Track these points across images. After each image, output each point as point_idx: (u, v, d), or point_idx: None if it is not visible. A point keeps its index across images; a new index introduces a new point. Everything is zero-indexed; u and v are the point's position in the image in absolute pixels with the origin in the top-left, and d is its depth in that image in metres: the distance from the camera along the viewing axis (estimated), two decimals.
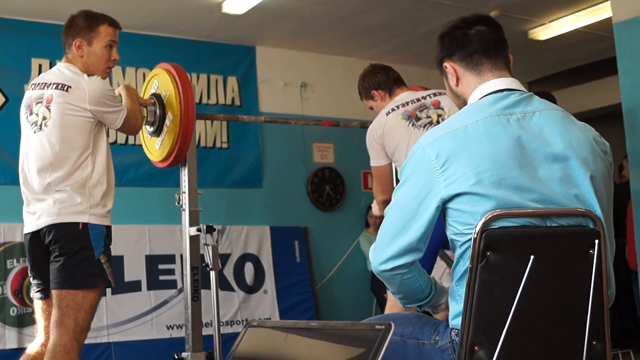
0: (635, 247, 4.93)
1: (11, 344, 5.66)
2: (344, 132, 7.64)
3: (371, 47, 7.98)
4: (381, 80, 4.26)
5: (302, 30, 7.39)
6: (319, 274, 7.53)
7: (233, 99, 7.55)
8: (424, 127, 3.90)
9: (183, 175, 3.76)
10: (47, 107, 3.33)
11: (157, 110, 3.69)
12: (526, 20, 7.29)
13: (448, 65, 2.17)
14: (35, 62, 6.42)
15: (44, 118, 3.33)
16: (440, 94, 4.06)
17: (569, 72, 8.72)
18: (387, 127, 3.96)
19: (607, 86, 7.73)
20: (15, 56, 6.37)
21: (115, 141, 6.69)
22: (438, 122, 3.80)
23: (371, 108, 4.28)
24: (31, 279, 3.45)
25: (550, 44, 7.76)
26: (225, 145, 7.44)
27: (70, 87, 3.31)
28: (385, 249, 2.04)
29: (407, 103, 4.04)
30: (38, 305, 3.45)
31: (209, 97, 7.39)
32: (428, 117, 3.95)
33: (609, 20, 5.31)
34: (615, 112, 5.32)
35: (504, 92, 2.06)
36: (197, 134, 4.06)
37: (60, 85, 3.32)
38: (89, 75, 3.35)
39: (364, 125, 4.94)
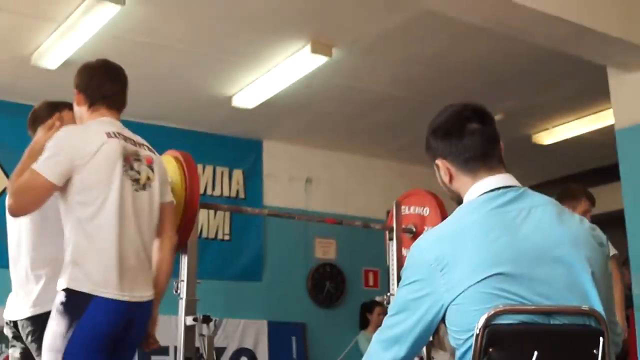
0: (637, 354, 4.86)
1: None
2: (346, 229, 7.62)
3: (376, 146, 8.07)
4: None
5: (309, 126, 7.49)
6: None
7: (237, 191, 7.58)
8: (132, 183, 3.00)
9: (183, 264, 3.73)
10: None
11: None
12: (530, 124, 7.38)
13: (441, 164, 2.15)
14: None
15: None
16: (154, 151, 3.22)
17: (571, 178, 8.76)
18: (103, 147, 2.97)
19: (609, 192, 7.75)
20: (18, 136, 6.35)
21: None
22: (144, 187, 3.04)
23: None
24: None
25: (553, 148, 7.83)
26: (227, 237, 7.41)
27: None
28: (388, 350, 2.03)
29: (127, 138, 3.10)
30: None
31: (213, 189, 7.42)
32: (138, 172, 3.04)
33: (611, 127, 5.37)
34: (617, 218, 5.32)
35: (500, 190, 2.06)
36: (199, 224, 4.06)
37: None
38: None
39: (367, 225, 4.95)
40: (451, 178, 2.15)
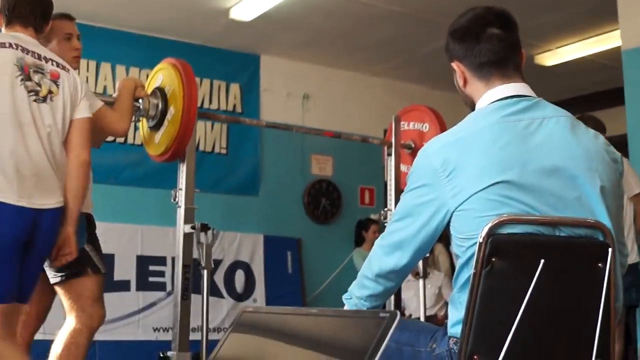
0: None
1: None
2: (343, 146, 7.60)
3: (375, 63, 7.97)
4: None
5: (308, 41, 7.37)
6: (310, 287, 7.47)
7: (235, 105, 7.52)
8: (29, 93, 3.00)
9: (181, 172, 3.70)
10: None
11: (159, 104, 3.64)
12: (533, 45, 7.27)
13: (456, 67, 2.12)
14: None
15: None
16: (65, 68, 3.18)
17: (574, 101, 8.70)
18: None
19: (612, 117, 7.71)
20: None
21: (114, 140, 6.62)
22: (44, 99, 3.02)
23: None
24: None
25: (556, 70, 7.75)
26: (224, 151, 7.39)
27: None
28: (390, 255, 2.02)
29: (29, 51, 3.09)
30: None
31: (210, 102, 7.35)
32: (38, 84, 3.04)
33: (616, 49, 5.29)
34: (620, 143, 5.27)
35: (513, 99, 2.01)
36: (196, 136, 4.02)
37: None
38: None
39: (366, 140, 4.90)
40: (465, 82, 2.11)
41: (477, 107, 2.07)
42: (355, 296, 2.13)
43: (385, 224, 4.12)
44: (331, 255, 7.54)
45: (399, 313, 1.11)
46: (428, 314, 5.64)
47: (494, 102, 2.01)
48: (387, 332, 1.09)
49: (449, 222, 1.94)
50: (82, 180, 3.12)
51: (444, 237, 2.05)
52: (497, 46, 2.05)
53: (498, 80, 2.05)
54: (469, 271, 1.90)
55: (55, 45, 3.43)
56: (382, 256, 2.06)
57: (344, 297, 2.18)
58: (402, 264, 2.03)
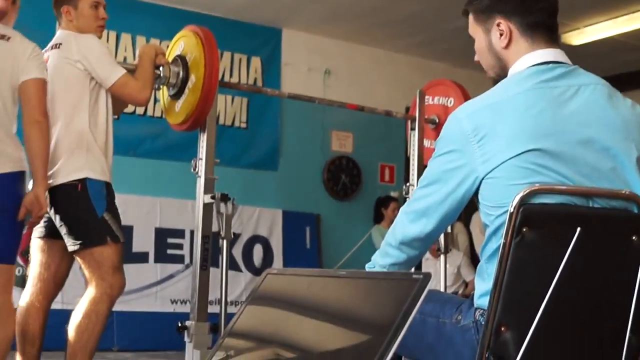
0: None
1: (14, 303, 5.57)
2: (364, 122, 7.54)
3: (398, 39, 7.88)
4: None
5: (331, 16, 7.29)
6: (328, 263, 7.43)
7: (255, 79, 7.47)
8: None
9: (201, 142, 3.66)
10: (45, 68, 3.33)
11: (180, 72, 3.59)
12: (561, 22, 7.09)
13: (504, 24, 2.00)
14: None
15: None
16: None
17: None
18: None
19: (637, 98, 7.59)
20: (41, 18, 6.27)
21: (134, 111, 6.62)
22: None
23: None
24: None
25: (583, 49, 7.60)
26: (243, 125, 7.35)
27: (62, 43, 3.38)
28: (415, 222, 1.96)
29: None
30: (35, 244, 3.48)
31: (231, 76, 7.31)
32: None
33: None
34: None
35: (550, 65, 1.94)
36: (217, 109, 3.98)
37: (54, 45, 3.40)
38: None
39: (389, 114, 4.82)
40: (509, 42, 1.99)
41: (512, 70, 1.99)
42: (379, 264, 2.08)
43: (407, 199, 4.06)
44: (350, 231, 7.48)
45: (431, 274, 1.06)
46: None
47: (531, 66, 1.94)
48: (420, 294, 1.04)
49: (477, 189, 1.87)
50: (37, 140, 3.13)
51: (462, 215, 1.99)
52: (550, 8, 1.99)
53: (543, 43, 1.97)
54: (498, 241, 1.84)
55: (84, 12, 3.45)
56: (406, 223, 2.00)
57: (367, 265, 2.12)
58: (427, 231, 1.97)
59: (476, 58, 2.13)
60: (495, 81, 2.06)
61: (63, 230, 3.32)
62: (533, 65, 1.94)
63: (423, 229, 1.97)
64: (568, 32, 7.32)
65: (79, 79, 3.33)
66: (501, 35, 2.00)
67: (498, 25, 2.00)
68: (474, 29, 2.08)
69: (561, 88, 1.88)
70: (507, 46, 2.00)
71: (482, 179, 1.84)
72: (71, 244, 3.31)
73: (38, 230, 3.45)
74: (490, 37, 2.03)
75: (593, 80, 1.94)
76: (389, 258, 2.05)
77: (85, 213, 3.29)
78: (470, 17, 2.09)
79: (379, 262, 2.07)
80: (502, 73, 2.04)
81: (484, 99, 1.91)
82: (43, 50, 3.40)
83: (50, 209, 3.32)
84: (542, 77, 1.89)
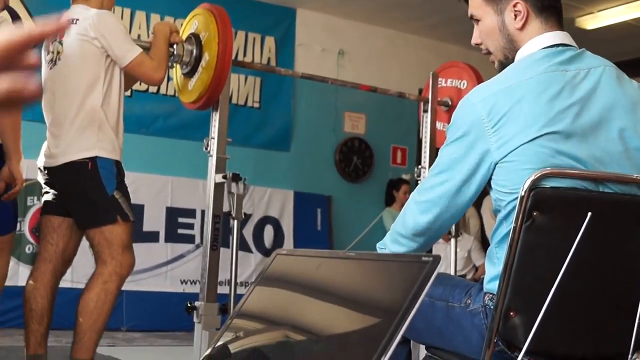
0: None
1: (24, 281, 5.60)
2: (378, 103, 7.52)
3: (412, 21, 7.83)
4: None
5: None
6: (339, 245, 7.44)
7: (269, 59, 7.44)
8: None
9: (214, 121, 3.65)
10: (60, 42, 3.35)
11: (194, 50, 3.58)
12: (575, 7, 7.09)
13: (522, 4, 1.97)
14: None
15: (58, 52, 3.36)
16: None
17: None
18: None
19: None
20: None
21: (147, 89, 6.61)
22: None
23: None
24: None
25: (597, 34, 7.55)
26: (256, 105, 7.34)
27: (79, 19, 3.33)
28: (427, 213, 1.93)
29: None
30: (44, 221, 3.49)
31: (245, 55, 7.28)
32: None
33: None
34: None
35: (559, 47, 1.92)
36: (230, 88, 3.96)
37: (70, 20, 3.35)
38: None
39: (402, 95, 4.80)
40: (525, 24, 1.97)
41: (522, 51, 1.97)
42: (390, 250, 2.06)
43: (418, 182, 4.05)
44: (361, 213, 7.48)
45: (441, 257, 1.06)
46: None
47: (543, 48, 1.92)
48: (430, 277, 1.03)
49: (491, 175, 1.86)
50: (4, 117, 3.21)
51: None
52: None
53: (554, 25, 1.97)
54: (508, 226, 1.83)
55: None
56: (417, 214, 1.95)
57: (378, 245, 2.10)
58: (439, 221, 1.92)
59: (477, 40, 2.09)
60: (501, 63, 2.04)
61: (72, 208, 3.33)
62: (544, 48, 1.92)
63: (436, 220, 1.93)
64: (582, 16, 7.27)
65: (95, 56, 3.32)
66: (516, 16, 1.98)
67: (514, 5, 1.97)
68: (483, 9, 2.03)
69: (572, 71, 1.87)
70: (522, 27, 1.98)
71: (497, 163, 1.82)
72: (80, 222, 3.32)
73: (47, 207, 3.47)
74: (503, 17, 2.00)
75: (602, 63, 1.93)
76: (401, 247, 2.02)
77: (95, 191, 3.29)
78: None
79: (390, 248, 2.05)
80: (510, 55, 2.01)
81: (498, 82, 1.88)
82: None
83: (60, 186, 3.33)
84: (555, 60, 1.88)
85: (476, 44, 2.11)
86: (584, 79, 1.86)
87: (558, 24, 1.98)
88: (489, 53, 2.08)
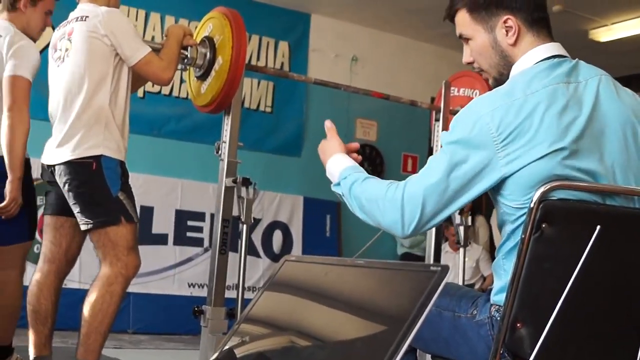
0: None
1: (29, 281, 5.61)
2: (389, 111, 7.52)
3: (426, 28, 7.84)
4: None
5: (359, 2, 7.29)
6: (347, 251, 7.43)
7: (282, 64, 7.46)
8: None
9: (225, 125, 3.66)
10: (69, 39, 3.34)
11: (207, 53, 3.58)
12: (588, 19, 7.09)
13: (513, 20, 1.95)
14: None
15: (67, 49, 3.36)
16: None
17: (628, 79, 8.48)
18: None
19: None
20: None
21: (160, 91, 6.63)
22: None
23: None
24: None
25: (610, 47, 7.55)
26: (269, 110, 7.36)
27: (88, 16, 3.32)
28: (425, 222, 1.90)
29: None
30: (47, 221, 3.49)
31: (258, 59, 7.31)
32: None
33: None
34: None
35: (556, 59, 1.92)
36: (242, 92, 3.96)
37: (79, 17, 3.35)
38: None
39: (414, 103, 4.80)
40: (517, 40, 1.95)
41: (518, 66, 1.95)
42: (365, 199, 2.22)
43: None
44: None
45: (450, 267, 1.06)
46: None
47: (539, 61, 1.91)
48: (438, 286, 1.03)
49: (492, 188, 1.85)
50: (6, 136, 3.33)
51: (484, 209, 1.96)
52: (544, 4, 1.99)
53: (547, 37, 1.97)
54: (516, 239, 1.83)
55: None
56: (407, 209, 1.93)
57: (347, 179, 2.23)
58: (431, 223, 1.90)
59: (468, 59, 2.05)
60: (496, 80, 2.02)
61: (76, 209, 3.28)
62: (540, 61, 1.92)
63: (428, 220, 1.89)
64: (595, 28, 7.27)
65: (104, 54, 3.30)
66: (507, 32, 1.95)
67: (505, 22, 1.95)
68: (473, 28, 1.99)
69: (574, 84, 1.86)
70: (515, 43, 1.96)
71: (506, 179, 1.81)
72: (84, 223, 3.27)
73: (49, 207, 3.45)
74: (494, 34, 1.97)
75: (597, 73, 1.93)
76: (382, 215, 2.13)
77: (100, 192, 3.25)
78: (465, 16, 2.01)
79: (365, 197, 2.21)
80: (505, 71, 1.99)
81: (503, 96, 1.83)
82: (65, 22, 3.42)
83: (64, 185, 3.30)
84: (555, 73, 1.86)
85: (468, 63, 2.07)
86: (584, 90, 1.86)
87: (549, 35, 1.98)
88: (481, 71, 2.06)
